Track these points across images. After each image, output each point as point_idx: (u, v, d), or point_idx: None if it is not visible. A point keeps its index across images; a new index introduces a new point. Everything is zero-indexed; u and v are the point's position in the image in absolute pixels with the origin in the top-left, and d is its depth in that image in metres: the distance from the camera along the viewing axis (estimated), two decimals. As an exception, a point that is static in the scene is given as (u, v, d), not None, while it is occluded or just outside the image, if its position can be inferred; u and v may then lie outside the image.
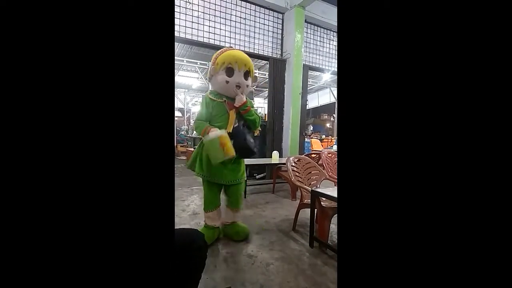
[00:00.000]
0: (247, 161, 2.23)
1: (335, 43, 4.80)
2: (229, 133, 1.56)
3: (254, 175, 4.00)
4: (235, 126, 1.60)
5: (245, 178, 1.81)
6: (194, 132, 8.29)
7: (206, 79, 7.19)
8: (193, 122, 11.21)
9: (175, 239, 0.53)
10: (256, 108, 1.78)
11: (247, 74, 1.63)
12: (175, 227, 0.56)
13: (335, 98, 9.88)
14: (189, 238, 0.77)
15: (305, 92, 4.22)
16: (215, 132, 1.50)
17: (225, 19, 3.65)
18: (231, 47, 1.74)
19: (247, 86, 1.65)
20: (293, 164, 2.05)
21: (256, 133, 1.74)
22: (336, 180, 2.24)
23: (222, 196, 1.80)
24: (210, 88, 1.83)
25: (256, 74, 1.77)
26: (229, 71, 1.58)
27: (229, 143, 1.49)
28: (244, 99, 1.63)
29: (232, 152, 1.49)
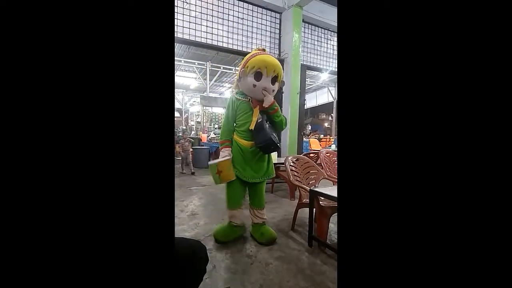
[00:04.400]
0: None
1: (333, 42, 4.81)
2: (251, 130, 1.62)
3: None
4: (258, 121, 1.62)
5: (271, 177, 1.80)
6: (193, 132, 8.28)
7: (205, 82, 7.19)
8: (191, 122, 11.19)
9: (177, 248, 0.52)
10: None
11: (274, 79, 1.65)
12: (176, 230, 0.55)
13: (333, 97, 9.92)
14: (191, 249, 0.75)
15: (303, 91, 4.23)
16: (217, 160, 1.63)
17: (223, 19, 3.65)
18: (264, 49, 1.75)
19: (273, 90, 1.67)
20: (292, 163, 2.06)
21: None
22: (335, 180, 2.25)
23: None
24: (232, 90, 1.86)
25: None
26: (258, 76, 1.60)
27: (226, 171, 1.61)
28: (272, 99, 1.65)
29: (227, 179, 1.63)
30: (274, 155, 3.03)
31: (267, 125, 1.61)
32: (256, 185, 1.75)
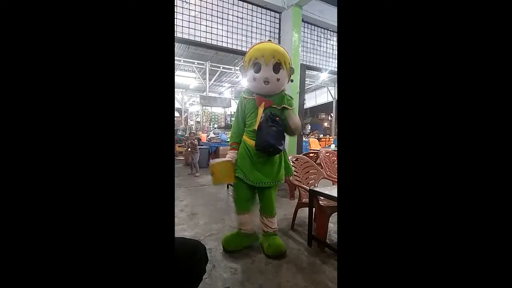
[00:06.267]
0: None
1: (333, 42, 4.81)
2: (255, 130, 1.51)
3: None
4: (260, 121, 1.49)
5: (281, 181, 1.62)
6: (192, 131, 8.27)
7: (204, 82, 7.18)
8: (190, 122, 11.18)
9: (177, 248, 0.51)
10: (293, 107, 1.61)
11: (277, 66, 1.47)
12: (175, 229, 0.55)
13: (332, 97, 9.93)
14: (191, 248, 0.75)
15: (302, 91, 4.23)
16: (214, 160, 1.61)
17: (222, 18, 3.65)
18: (270, 40, 1.59)
19: (278, 80, 1.48)
20: (291, 163, 2.05)
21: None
22: (334, 179, 2.25)
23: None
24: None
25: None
26: (256, 67, 1.47)
27: (217, 173, 1.56)
28: (298, 122, 1.52)
29: (219, 181, 1.59)
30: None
31: (267, 125, 1.45)
32: (264, 190, 1.59)
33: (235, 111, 1.75)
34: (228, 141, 1.74)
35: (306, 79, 5.68)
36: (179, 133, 7.91)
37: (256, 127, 1.49)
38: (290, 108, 1.57)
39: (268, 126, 1.45)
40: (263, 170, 1.56)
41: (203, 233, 1.86)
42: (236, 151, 1.61)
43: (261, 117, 1.49)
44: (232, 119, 6.56)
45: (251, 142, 1.53)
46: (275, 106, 1.54)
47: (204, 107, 8.05)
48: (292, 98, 1.64)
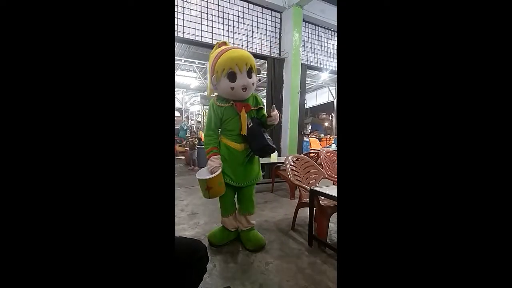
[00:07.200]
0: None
1: (333, 42, 4.81)
2: (245, 136, 1.54)
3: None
4: (249, 126, 1.54)
5: (259, 179, 1.73)
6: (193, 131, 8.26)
7: (205, 81, 7.18)
8: (191, 122, 11.20)
9: (177, 248, 0.51)
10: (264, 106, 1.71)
11: (250, 72, 1.52)
12: (176, 229, 0.55)
13: (333, 97, 9.91)
14: (191, 248, 0.75)
15: (303, 91, 4.22)
16: (207, 176, 1.50)
17: (223, 18, 3.65)
18: (225, 42, 1.67)
19: (253, 84, 1.56)
20: (292, 163, 2.06)
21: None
22: (335, 179, 2.25)
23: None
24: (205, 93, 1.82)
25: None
26: (231, 76, 1.47)
27: (217, 187, 1.49)
28: (277, 115, 1.56)
29: (217, 195, 1.54)
30: (274, 154, 3.04)
31: (259, 129, 1.52)
32: (243, 189, 1.67)
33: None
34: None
35: (307, 78, 5.67)
36: (185, 129, 7.88)
37: (244, 132, 1.55)
38: (263, 106, 1.69)
39: (260, 130, 1.54)
40: (249, 170, 1.65)
41: (203, 232, 1.86)
42: (219, 156, 1.58)
43: (248, 122, 1.55)
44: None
45: (235, 145, 1.59)
46: (253, 108, 1.63)
47: (205, 107, 8.05)
48: (258, 96, 1.73)
